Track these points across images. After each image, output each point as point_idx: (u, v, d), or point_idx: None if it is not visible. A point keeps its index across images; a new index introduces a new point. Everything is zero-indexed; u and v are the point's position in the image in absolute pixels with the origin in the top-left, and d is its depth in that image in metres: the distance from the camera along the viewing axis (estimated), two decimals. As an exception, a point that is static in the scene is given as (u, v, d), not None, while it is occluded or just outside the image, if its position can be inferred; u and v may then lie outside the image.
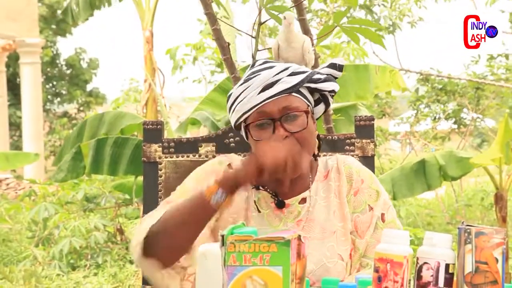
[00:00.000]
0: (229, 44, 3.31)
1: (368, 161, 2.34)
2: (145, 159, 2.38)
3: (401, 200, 7.76)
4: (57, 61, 20.15)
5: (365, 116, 2.37)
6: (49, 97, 19.87)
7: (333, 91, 2.08)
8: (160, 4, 9.25)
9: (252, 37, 3.22)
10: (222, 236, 1.34)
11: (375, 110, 10.68)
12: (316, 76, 2.05)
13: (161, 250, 1.90)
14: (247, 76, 2.05)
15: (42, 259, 7.06)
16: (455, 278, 1.51)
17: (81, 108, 19.74)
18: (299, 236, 1.34)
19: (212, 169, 2.10)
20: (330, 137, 2.36)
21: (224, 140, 2.34)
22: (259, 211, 2.06)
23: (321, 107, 2.11)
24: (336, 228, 2.02)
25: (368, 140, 2.35)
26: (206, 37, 8.80)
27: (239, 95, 2.03)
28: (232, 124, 2.10)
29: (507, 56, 10.40)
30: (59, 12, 19.45)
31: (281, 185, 2.01)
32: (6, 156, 8.20)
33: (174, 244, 1.91)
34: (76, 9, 9.24)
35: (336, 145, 2.35)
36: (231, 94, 2.08)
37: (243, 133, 2.09)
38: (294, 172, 1.95)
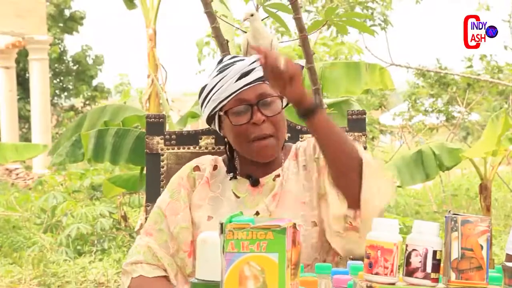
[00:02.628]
0: (227, 41, 3.30)
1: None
2: (147, 150, 2.37)
3: (399, 187, 7.78)
4: (64, 58, 20.12)
5: (357, 110, 2.37)
6: (56, 91, 19.83)
7: None
8: (163, 3, 9.22)
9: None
10: (221, 224, 1.34)
11: (373, 102, 10.68)
12: None
13: None
14: (220, 68, 2.07)
15: (50, 245, 7.06)
16: (442, 264, 1.51)
17: (87, 102, 19.71)
18: (294, 224, 1.34)
19: (181, 176, 2.14)
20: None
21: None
22: (237, 197, 2.08)
23: (284, 100, 2.10)
24: (306, 199, 2.03)
25: (360, 133, 2.34)
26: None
27: (215, 85, 2.05)
28: (206, 114, 2.10)
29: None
30: (66, 11, 19.44)
31: (253, 169, 2.08)
32: (16, 147, 8.19)
33: None
34: None
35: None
36: (205, 86, 2.09)
37: (216, 123, 2.10)
38: (271, 156, 2.05)
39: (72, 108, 19.62)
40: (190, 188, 2.12)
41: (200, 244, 1.52)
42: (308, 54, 3.52)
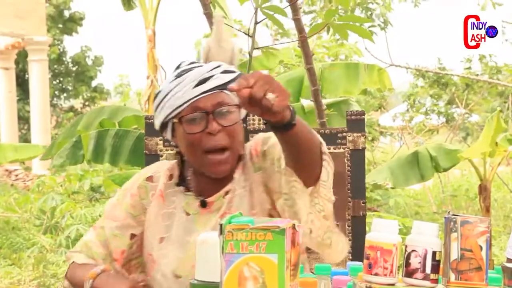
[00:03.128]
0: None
1: (359, 153, 2.33)
2: (147, 151, 2.37)
3: (392, 190, 7.78)
4: (64, 59, 20.14)
5: (356, 111, 2.37)
6: (56, 92, 19.84)
7: None
8: (162, 4, 9.24)
9: (249, 36, 3.22)
10: (221, 225, 1.34)
11: (373, 103, 10.68)
12: None
13: None
14: (178, 74, 1.97)
15: (50, 246, 7.06)
16: (441, 265, 1.51)
17: (86, 103, 19.74)
18: (294, 225, 1.34)
19: (132, 184, 2.09)
20: (322, 131, 2.36)
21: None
22: (188, 214, 2.00)
23: (244, 110, 1.99)
24: (256, 210, 1.95)
25: (359, 134, 2.34)
26: None
27: (171, 90, 1.95)
28: (159, 120, 1.99)
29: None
30: (65, 12, 19.45)
31: (205, 183, 1.99)
32: (15, 148, 8.20)
33: None
34: None
35: (328, 139, 2.34)
36: (160, 91, 1.99)
37: (169, 130, 1.99)
38: (223, 172, 1.95)
39: (71, 109, 19.65)
40: (139, 199, 2.06)
41: (199, 244, 1.52)
42: (307, 55, 3.52)
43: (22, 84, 17.51)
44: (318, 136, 1.86)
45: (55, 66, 19.83)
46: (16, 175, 13.54)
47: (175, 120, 1.96)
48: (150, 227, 2.03)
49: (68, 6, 19.57)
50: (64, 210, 7.54)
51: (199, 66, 1.98)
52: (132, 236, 2.04)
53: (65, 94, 20.27)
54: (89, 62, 20.18)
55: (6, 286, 6.18)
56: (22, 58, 17.05)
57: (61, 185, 9.47)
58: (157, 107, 1.99)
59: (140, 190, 2.07)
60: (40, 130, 14.56)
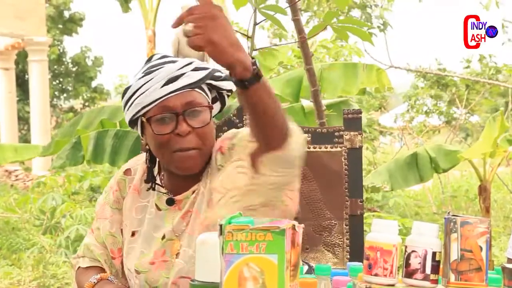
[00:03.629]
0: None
1: (356, 152, 2.34)
2: (142, 151, 2.37)
3: (392, 191, 7.78)
4: (64, 59, 20.14)
5: (353, 110, 2.37)
6: (56, 93, 19.84)
7: (230, 90, 1.95)
8: (162, 5, 9.24)
9: (248, 37, 3.22)
10: (220, 225, 1.34)
11: (373, 103, 10.68)
12: (217, 74, 1.92)
13: None
14: (148, 69, 1.89)
15: (49, 246, 7.06)
16: (441, 266, 1.51)
17: (86, 104, 19.74)
18: (294, 225, 1.34)
19: (113, 180, 2.08)
20: (319, 130, 2.36)
21: (219, 133, 2.33)
22: (159, 209, 1.97)
23: (217, 106, 1.97)
24: (204, 220, 1.90)
25: (356, 133, 2.34)
26: None
27: (140, 87, 1.87)
28: (128, 118, 1.93)
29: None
30: (65, 12, 19.46)
31: (175, 181, 1.95)
32: (15, 148, 8.19)
33: None
34: None
35: (325, 138, 2.34)
36: (129, 87, 1.91)
37: (138, 128, 1.94)
38: (192, 168, 1.89)
39: (71, 109, 19.65)
40: (120, 193, 2.05)
41: (199, 245, 1.52)
42: (307, 55, 3.52)
43: (22, 84, 17.51)
44: (285, 114, 1.72)
45: (55, 66, 19.83)
46: (16, 176, 13.54)
47: (143, 119, 1.90)
48: (125, 220, 2.02)
49: (68, 6, 19.57)
50: (64, 210, 7.54)
51: (170, 62, 1.89)
52: (122, 231, 2.04)
53: (65, 95, 20.27)
54: (89, 63, 20.19)
55: (6, 286, 6.18)
56: (22, 59, 17.05)
57: (61, 186, 9.47)
58: (125, 104, 1.92)
59: (119, 185, 2.05)
60: (40, 131, 14.56)
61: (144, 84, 1.87)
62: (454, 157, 5.39)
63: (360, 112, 2.37)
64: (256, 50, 3.37)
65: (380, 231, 1.51)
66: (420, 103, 11.98)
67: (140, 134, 1.97)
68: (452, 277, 1.49)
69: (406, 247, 1.51)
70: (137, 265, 1.94)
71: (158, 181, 2.00)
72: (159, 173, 2.01)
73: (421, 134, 10.89)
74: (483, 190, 5.91)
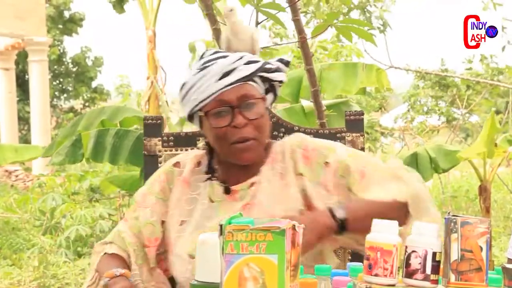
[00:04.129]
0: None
1: (358, 154, 2.32)
2: (145, 152, 2.37)
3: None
4: (64, 59, 20.14)
5: (355, 111, 2.36)
6: (56, 93, 19.85)
7: (281, 81, 2.03)
8: (162, 5, 9.24)
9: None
10: (221, 225, 1.33)
11: (373, 104, 10.68)
12: (268, 66, 2.00)
13: None
14: (202, 65, 1.97)
15: (50, 247, 7.06)
16: (441, 266, 1.51)
17: (87, 104, 19.75)
18: (294, 225, 1.34)
19: (160, 171, 2.11)
20: (321, 131, 2.35)
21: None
22: (211, 201, 2.01)
23: (270, 97, 2.04)
24: (277, 212, 1.92)
25: (358, 134, 2.34)
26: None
27: (195, 83, 1.95)
28: (186, 113, 2.02)
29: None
30: (65, 12, 19.46)
31: (231, 173, 2.01)
32: (15, 148, 8.18)
33: None
34: None
35: (327, 139, 2.34)
36: (185, 83, 1.99)
37: (196, 122, 2.02)
38: (250, 159, 1.96)
39: (71, 109, 19.66)
40: (167, 183, 2.07)
41: (199, 245, 1.52)
42: (307, 56, 3.52)
43: (22, 84, 17.51)
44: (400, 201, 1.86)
45: (55, 66, 19.84)
46: (16, 176, 13.54)
47: (201, 114, 1.97)
48: (172, 210, 2.04)
49: (68, 6, 19.58)
50: (64, 210, 7.54)
51: (222, 57, 1.97)
52: (163, 222, 2.05)
53: (65, 95, 20.28)
54: (89, 63, 20.19)
55: (6, 286, 6.18)
56: (22, 59, 17.05)
57: (61, 186, 9.47)
58: (182, 99, 2.00)
59: (167, 176, 2.08)
60: (40, 131, 14.56)
61: (199, 79, 1.95)
62: (454, 157, 5.38)
63: (362, 114, 2.37)
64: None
65: (380, 231, 1.50)
66: (420, 104, 11.98)
67: (199, 128, 2.04)
68: (452, 277, 1.48)
69: (406, 247, 1.51)
70: (190, 251, 1.95)
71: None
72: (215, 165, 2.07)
73: (421, 134, 10.89)
74: (483, 190, 5.91)
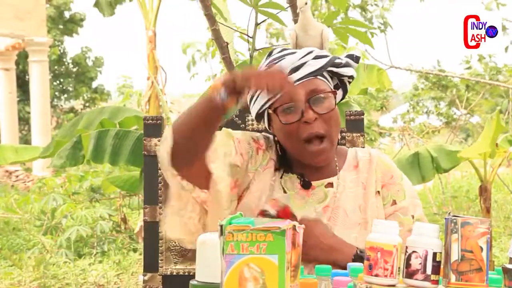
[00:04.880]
0: (227, 43, 3.30)
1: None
2: (145, 152, 2.37)
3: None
4: (64, 60, 20.13)
5: (355, 111, 2.37)
6: (56, 93, 19.83)
7: (351, 76, 2.01)
8: (162, 5, 9.23)
9: (249, 37, 3.22)
10: (221, 226, 1.33)
11: (374, 104, 10.67)
12: (338, 61, 1.98)
13: (179, 154, 1.83)
14: (270, 63, 1.96)
15: (50, 247, 7.06)
16: (442, 266, 1.51)
17: (87, 104, 19.73)
18: (294, 226, 1.34)
19: (249, 137, 2.03)
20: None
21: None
22: (285, 192, 1.98)
23: (340, 93, 2.03)
24: (360, 221, 1.95)
25: (358, 134, 2.34)
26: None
27: None
28: (254, 112, 1.99)
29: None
30: (66, 13, 19.46)
31: (306, 168, 1.98)
32: (15, 149, 8.17)
33: (188, 146, 1.82)
34: None
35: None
36: None
37: (265, 120, 2.00)
38: (325, 160, 1.95)
39: (72, 110, 19.64)
40: (263, 152, 2.01)
41: (199, 246, 1.52)
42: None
43: (22, 85, 17.50)
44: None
45: (56, 67, 19.82)
46: (17, 176, 13.54)
47: (270, 111, 1.95)
48: (254, 191, 1.98)
49: (68, 7, 19.56)
50: (64, 211, 7.54)
51: (290, 54, 1.96)
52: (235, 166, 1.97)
53: (65, 95, 20.26)
54: (90, 63, 20.17)
55: (6, 287, 6.18)
56: (22, 59, 17.05)
57: (61, 186, 9.47)
58: (251, 98, 1.98)
59: (266, 148, 2.02)
60: (41, 131, 14.55)
61: None
62: (455, 157, 5.37)
63: (362, 114, 2.37)
64: (256, 50, 3.37)
65: (380, 232, 1.50)
66: (421, 105, 11.98)
67: (267, 127, 2.02)
68: (453, 277, 1.48)
69: (406, 247, 1.51)
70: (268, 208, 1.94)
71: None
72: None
73: (421, 134, 10.89)
74: (484, 191, 5.90)
